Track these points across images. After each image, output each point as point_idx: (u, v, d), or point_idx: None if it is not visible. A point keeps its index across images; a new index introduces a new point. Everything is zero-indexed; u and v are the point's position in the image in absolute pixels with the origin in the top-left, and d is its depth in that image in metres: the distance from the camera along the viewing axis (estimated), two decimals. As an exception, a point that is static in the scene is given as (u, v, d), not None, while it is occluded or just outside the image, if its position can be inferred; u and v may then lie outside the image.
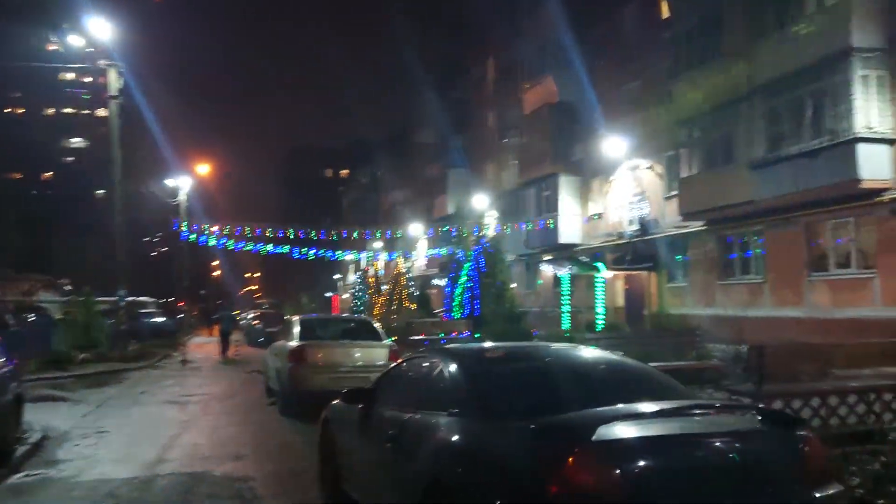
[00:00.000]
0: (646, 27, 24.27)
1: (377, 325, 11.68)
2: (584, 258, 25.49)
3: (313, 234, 30.41)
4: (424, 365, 4.52)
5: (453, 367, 4.06)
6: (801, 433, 3.27)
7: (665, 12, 22.93)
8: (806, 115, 16.43)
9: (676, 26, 21.31)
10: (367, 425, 4.78)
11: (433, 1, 46.96)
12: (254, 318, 32.37)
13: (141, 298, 46.39)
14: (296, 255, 32.60)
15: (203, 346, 30.88)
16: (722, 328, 19.53)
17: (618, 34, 26.19)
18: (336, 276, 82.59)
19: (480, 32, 40.19)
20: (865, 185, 15.15)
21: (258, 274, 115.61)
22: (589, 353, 4.56)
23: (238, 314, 39.95)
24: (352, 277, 73.84)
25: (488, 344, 5.23)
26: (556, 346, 4.79)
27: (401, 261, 29.61)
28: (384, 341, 11.09)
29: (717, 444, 3.03)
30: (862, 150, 15.07)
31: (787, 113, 17.07)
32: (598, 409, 3.18)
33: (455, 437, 3.59)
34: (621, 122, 25.10)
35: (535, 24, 30.56)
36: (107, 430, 9.52)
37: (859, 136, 15.02)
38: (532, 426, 3.17)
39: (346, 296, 73.78)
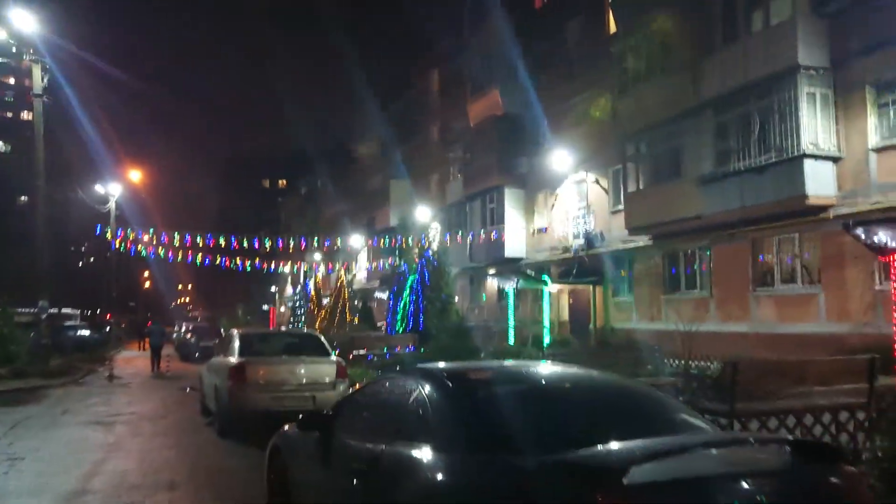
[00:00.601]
0: (592, 41, 24.35)
1: (323, 339, 11.02)
2: (530, 272, 25.26)
3: (248, 243, 29.40)
4: (397, 388, 3.95)
5: (433, 392, 3.51)
6: (845, 468, 2.86)
7: (612, 27, 23.01)
8: (754, 131, 16.55)
9: (623, 40, 21.36)
10: (327, 457, 4.18)
11: (377, 13, 46.55)
12: (187, 332, 30.99)
13: (65, 310, 44.16)
14: (232, 266, 31.50)
15: (132, 360, 29.36)
16: (667, 343, 19.45)
17: (564, 48, 26.24)
18: (273, 289, 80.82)
19: (425, 45, 40.00)
20: (812, 201, 15.30)
21: (191, 286, 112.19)
22: (584, 374, 4.07)
23: (171, 327, 38.29)
24: (290, 290, 72.38)
25: (469, 364, 4.69)
26: (544, 365, 4.29)
27: (343, 273, 28.84)
28: (331, 357, 10.44)
29: (757, 484, 2.58)
30: (808, 166, 15.22)
31: (734, 129, 17.18)
32: (619, 443, 2.68)
33: (442, 477, 3.04)
34: (567, 135, 25.08)
35: (481, 37, 30.43)
36: (20, 455, 8.56)
37: (806, 152, 15.17)
38: (545, 465, 2.64)
39: (283, 309, 72.17)
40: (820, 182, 15.29)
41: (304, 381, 9.72)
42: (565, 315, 25.48)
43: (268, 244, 29.40)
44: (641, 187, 20.63)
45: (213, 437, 9.99)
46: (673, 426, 3.20)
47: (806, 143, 15.22)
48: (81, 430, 10.73)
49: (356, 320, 27.56)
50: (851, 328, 14.93)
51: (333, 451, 4.13)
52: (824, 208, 15.50)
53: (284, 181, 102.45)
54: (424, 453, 3.18)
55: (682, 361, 14.60)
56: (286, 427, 5.22)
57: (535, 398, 3.42)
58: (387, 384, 4.19)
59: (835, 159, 15.39)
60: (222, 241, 27.13)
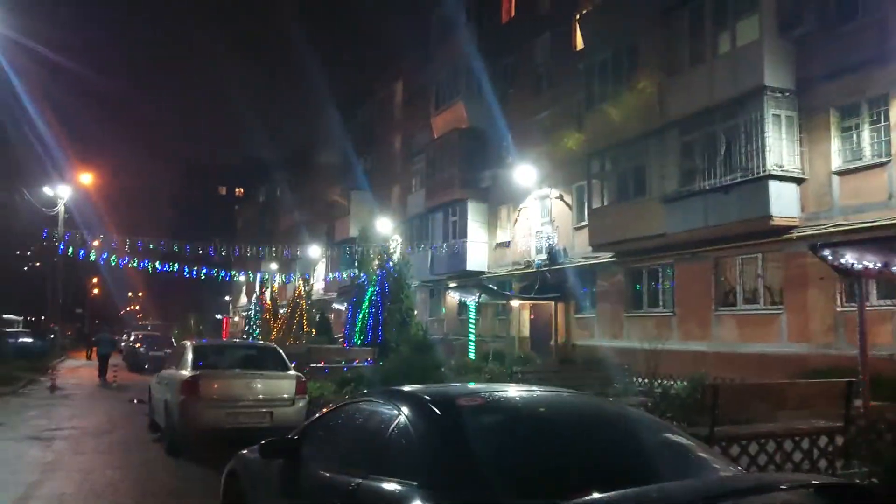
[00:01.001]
0: (559, 57, 24.35)
1: (282, 352, 10.52)
2: (493, 286, 25.02)
3: (203, 251, 28.58)
4: (375, 413, 3.54)
5: (419, 420, 3.12)
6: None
7: (579, 43, 23.03)
8: (719, 150, 16.61)
9: (590, 58, 21.36)
10: (292, 488, 3.76)
11: (342, 24, 46.20)
12: (136, 341, 29.91)
13: (6, 316, 42.40)
14: (185, 274, 30.55)
15: (77, 370, 28.18)
16: (629, 360, 19.38)
17: (531, 63, 26.21)
18: (227, 298, 79.23)
19: (390, 55, 39.72)
20: (776, 221, 15.36)
21: (142, 293, 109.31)
22: (586, 402, 3.72)
23: (120, 336, 36.97)
24: (244, 300, 70.98)
25: (453, 387, 4.27)
26: (535, 390, 3.91)
27: (301, 283, 28.19)
28: (290, 371, 9.95)
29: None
30: (773, 187, 15.29)
31: (700, 148, 17.23)
32: (638, 489, 2.33)
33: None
34: (532, 150, 24.99)
35: (448, 50, 30.25)
36: (-53, 475, 7.90)
37: (772, 173, 15.24)
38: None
39: (237, 319, 70.71)
40: (784, 203, 15.37)
41: (262, 396, 9.22)
42: (526, 331, 25.28)
43: (223, 252, 28.64)
44: (606, 204, 20.58)
45: (161, 455, 9.40)
46: (687, 465, 2.89)
47: (771, 164, 15.30)
48: (16, 446, 10.01)
49: (314, 332, 26.91)
50: (813, 349, 14.98)
51: (300, 483, 3.71)
52: (788, 229, 15.58)
53: (241, 189, 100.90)
54: (408, 492, 2.79)
55: (646, 380, 14.48)
56: (245, 451, 4.77)
57: (538, 430, 3.04)
58: (362, 407, 3.77)
59: (799, 181, 15.50)
60: (176, 248, 26.28)
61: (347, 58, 44.50)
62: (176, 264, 30.76)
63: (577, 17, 22.87)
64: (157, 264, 30.57)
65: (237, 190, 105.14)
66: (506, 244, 27.17)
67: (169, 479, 8.07)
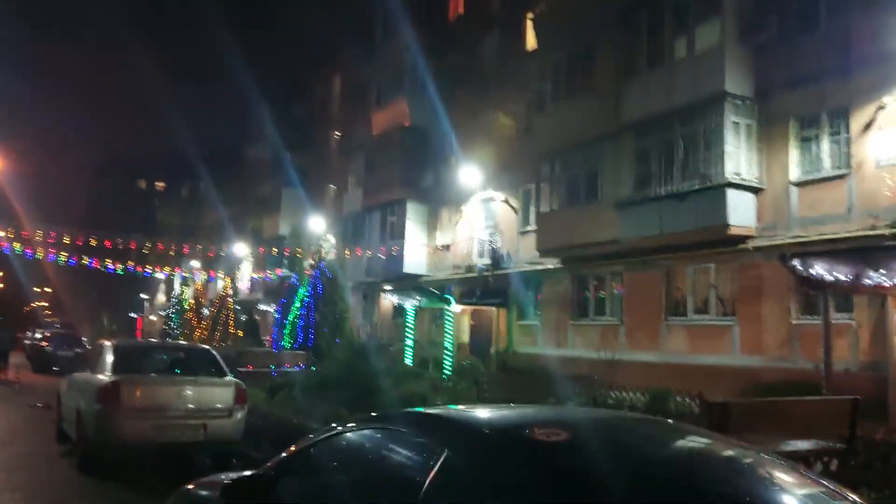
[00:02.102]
0: (508, 57, 23.71)
1: (217, 355, 9.30)
2: (433, 290, 24.10)
3: (122, 244, 26.68)
4: (393, 446, 2.58)
5: (474, 459, 2.17)
6: None
7: (531, 43, 22.44)
8: (676, 157, 16.21)
9: (543, 58, 20.80)
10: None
11: (275, 15, 44.47)
12: (42, 339, 27.58)
13: None
14: (102, 269, 28.47)
15: (-28, 370, 25.63)
16: (573, 369, 18.83)
17: (478, 62, 25.48)
18: (143, 297, 75.61)
19: (328, 49, 38.34)
20: (733, 231, 15.03)
21: (51, 289, 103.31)
22: (675, 431, 2.83)
23: (22, 333, 34.17)
24: (161, 298, 67.77)
25: (504, 408, 3.23)
26: (614, 415, 2.96)
27: (228, 282, 26.60)
28: (228, 378, 8.75)
29: None
30: (731, 196, 14.95)
31: (656, 154, 16.80)
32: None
33: None
34: (477, 151, 24.25)
35: (391, 46, 29.28)
36: None
37: (730, 181, 14.90)
38: None
39: (153, 318, 67.42)
40: (741, 212, 15.06)
41: (194, 406, 8.01)
42: (465, 337, 24.46)
43: (142, 247, 26.81)
44: (555, 208, 19.99)
45: (73, 473, 8.04)
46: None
47: (730, 173, 14.96)
48: None
49: (240, 333, 25.38)
50: (766, 361, 14.70)
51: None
52: (744, 239, 15.29)
53: (163, 183, 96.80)
54: None
55: (602, 392, 13.82)
56: (192, 486, 3.68)
57: (666, 479, 2.12)
58: (373, 437, 2.77)
59: (756, 190, 15.23)
60: (92, 241, 24.34)
61: (282, 51, 42.81)
62: (90, 259, 28.64)
63: (530, 16, 22.27)
64: (70, 258, 28.37)
65: (157, 184, 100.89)
66: (446, 247, 26.32)
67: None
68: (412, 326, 24.28)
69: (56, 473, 8.08)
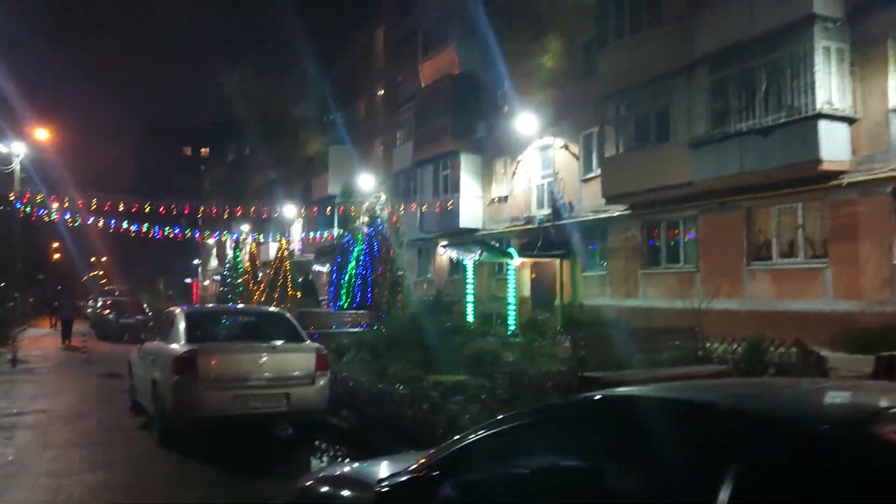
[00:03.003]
0: (565, -6, 22.37)
1: (293, 319, 8.76)
2: (494, 243, 23.36)
3: (176, 208, 26.50)
4: (599, 446, 1.90)
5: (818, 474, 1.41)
6: None
7: (589, -23, 21.07)
8: (758, 89, 14.97)
9: (605, -8, 19.49)
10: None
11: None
12: (104, 307, 27.78)
13: (-38, 283, 39.75)
14: (152, 235, 28.42)
15: (40, 340, 26.03)
16: (644, 320, 18.04)
17: (533, 2, 24.15)
18: (196, 262, 76.64)
19: (368, 1, 37.22)
20: (826, 166, 13.84)
21: (106, 258, 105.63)
22: None
23: (83, 301, 34.56)
24: (214, 263, 68.53)
25: (748, 386, 2.44)
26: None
27: (284, 242, 26.26)
28: (307, 343, 8.20)
29: None
30: (823, 127, 13.73)
31: (735, 87, 15.57)
32: None
33: None
34: (533, 97, 23.18)
35: (437, -10, 28.08)
36: None
37: (822, 112, 13.68)
38: None
39: (207, 283, 68.36)
40: (834, 145, 13.84)
41: (275, 374, 7.47)
42: (526, 291, 23.73)
43: (195, 211, 26.61)
44: (622, 152, 18.94)
45: (151, 447, 7.64)
46: None
47: (821, 102, 13.72)
48: (-30, 438, 8.18)
49: (298, 294, 25.11)
50: (865, 306, 13.64)
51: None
52: (836, 174, 14.08)
53: (207, 149, 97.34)
54: None
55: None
56: (321, 487, 3.02)
57: None
58: (567, 431, 2.03)
59: (850, 121, 13.96)
60: (147, 207, 24.16)
61: (322, 5, 41.71)
62: (145, 223, 28.62)
63: (587, -53, 20.86)
64: (125, 224, 28.37)
65: (202, 150, 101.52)
66: (503, 199, 25.47)
67: (168, 485, 6.35)
68: (472, 282, 23.69)
69: (134, 448, 7.68)
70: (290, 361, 7.68)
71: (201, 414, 7.18)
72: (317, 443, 7.97)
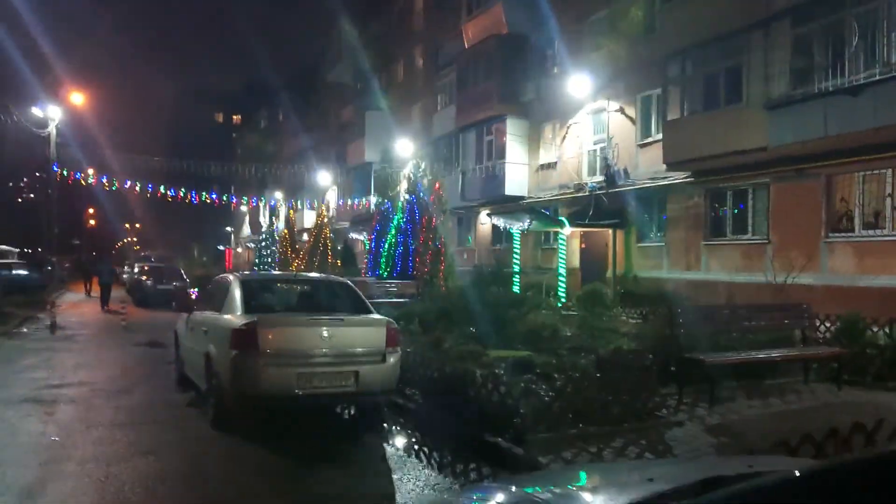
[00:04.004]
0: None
1: (356, 289, 7.93)
2: (545, 211, 22.35)
3: (209, 173, 25.84)
4: None
5: None
6: None
7: (650, -73, 19.71)
8: (849, 43, 13.68)
9: (668, -58, 18.13)
10: None
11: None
12: (141, 273, 27.37)
13: (0, 247, 39.81)
14: (193, 199, 27.85)
15: (78, 305, 25.71)
16: (705, 294, 17.03)
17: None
18: (228, 229, 76.64)
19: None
20: (927, 128, 12.62)
21: (139, 225, 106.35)
22: None
23: (120, 267, 34.26)
24: (246, 231, 68.33)
25: None
26: None
27: (323, 209, 25.51)
28: (376, 315, 7.37)
29: None
30: (925, 85, 12.47)
31: (820, 42, 14.28)
32: None
33: None
34: (585, 58, 21.97)
35: (482, -56, 26.76)
36: None
37: (926, 67, 12.40)
38: None
39: (240, 250, 68.27)
40: (937, 105, 12.58)
41: (343, 350, 6.65)
42: (575, 261, 22.73)
43: (230, 175, 25.98)
44: (687, 115, 17.72)
45: (205, 428, 6.89)
46: None
47: (923, 57, 12.45)
48: (7, 413, 7.51)
49: (339, 263, 24.41)
50: (965, 282, 12.49)
51: None
52: (937, 138, 12.84)
53: (239, 116, 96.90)
54: None
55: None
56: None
57: None
58: None
59: (954, 77, 12.66)
60: (184, 169, 23.51)
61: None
62: (182, 189, 28.04)
63: None
64: (161, 188, 27.82)
65: (234, 116, 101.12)
66: (551, 165, 24.37)
67: (228, 474, 5.58)
68: (517, 252, 22.77)
69: (186, 429, 6.94)
70: (359, 336, 6.85)
71: (262, 393, 6.40)
72: (385, 426, 7.16)
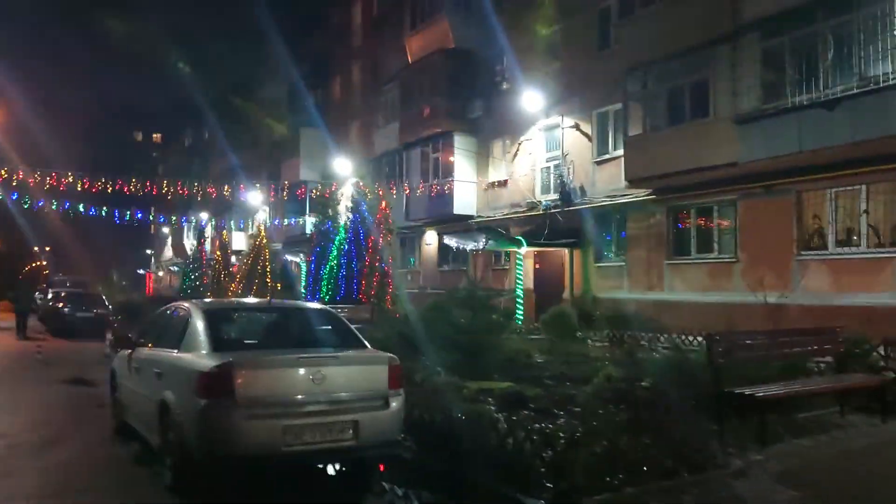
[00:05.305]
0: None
1: (344, 319, 6.71)
2: (502, 230, 21.47)
3: (134, 187, 23.97)
4: None
5: None
6: None
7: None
8: (822, 57, 13.38)
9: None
10: None
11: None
12: (57, 300, 24.99)
13: None
14: (115, 219, 25.78)
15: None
16: (670, 316, 16.37)
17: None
18: (148, 252, 73.07)
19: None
20: (905, 142, 12.33)
21: (49, 248, 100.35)
22: None
23: (37, 292, 31.37)
24: (168, 253, 65.17)
25: None
26: None
27: (262, 229, 23.92)
28: (377, 352, 6.15)
29: None
30: (905, 98, 12.19)
31: (792, 55, 13.96)
32: None
33: None
34: (537, 73, 21.40)
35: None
36: None
37: (905, 80, 12.12)
38: None
39: (161, 273, 65.03)
40: (915, 119, 12.31)
41: (338, 394, 5.42)
42: (530, 282, 21.92)
43: (153, 194, 24.19)
44: (649, 130, 17.21)
45: (163, 496, 5.51)
46: None
47: (902, 70, 12.18)
48: None
49: (279, 286, 22.87)
50: (948, 300, 12.19)
51: None
52: (914, 152, 12.58)
53: (160, 134, 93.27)
54: None
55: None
56: None
57: None
58: None
59: (931, 92, 12.44)
60: (105, 187, 21.57)
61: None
62: (101, 209, 25.95)
63: None
64: (77, 207, 25.64)
65: (154, 135, 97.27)
66: (502, 183, 23.57)
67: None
68: (471, 272, 21.83)
69: (141, 495, 5.54)
70: (357, 376, 5.61)
71: (240, 452, 5.08)
72: (385, 487, 5.91)
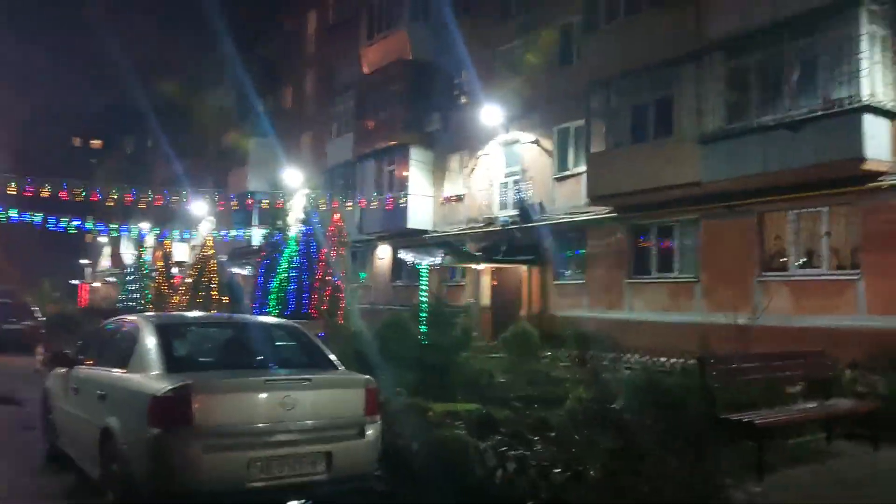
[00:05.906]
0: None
1: (312, 336, 6.11)
2: (462, 247, 21.02)
3: (72, 193, 22.78)
4: None
5: None
6: None
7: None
8: (787, 78, 13.41)
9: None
10: None
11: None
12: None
13: None
14: (50, 226, 24.45)
15: None
16: (630, 336, 16.13)
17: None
18: (84, 262, 70.20)
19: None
20: (868, 165, 12.39)
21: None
22: None
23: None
24: (105, 264, 62.67)
25: None
26: None
27: (209, 241, 22.92)
28: (352, 374, 5.56)
29: None
30: (868, 122, 12.25)
31: (757, 75, 13.96)
32: None
33: None
34: (495, 88, 21.15)
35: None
36: None
37: (868, 104, 12.18)
38: None
39: (97, 284, 62.47)
40: (877, 143, 12.41)
41: (309, 423, 4.82)
42: (486, 299, 21.52)
43: (105, 198, 23.00)
44: (612, 147, 17.05)
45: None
46: None
47: (866, 95, 12.24)
48: None
49: (225, 300, 21.89)
50: (908, 322, 12.20)
51: None
52: (876, 175, 12.65)
53: (100, 141, 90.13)
54: None
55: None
56: None
57: None
58: None
59: (893, 116, 12.56)
60: (41, 191, 20.36)
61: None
62: (38, 215, 24.57)
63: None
64: (12, 212, 24.22)
65: (93, 141, 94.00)
66: (459, 198, 23.16)
67: None
68: (426, 288, 21.26)
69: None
70: (331, 402, 5.01)
71: (197, 488, 4.44)
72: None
